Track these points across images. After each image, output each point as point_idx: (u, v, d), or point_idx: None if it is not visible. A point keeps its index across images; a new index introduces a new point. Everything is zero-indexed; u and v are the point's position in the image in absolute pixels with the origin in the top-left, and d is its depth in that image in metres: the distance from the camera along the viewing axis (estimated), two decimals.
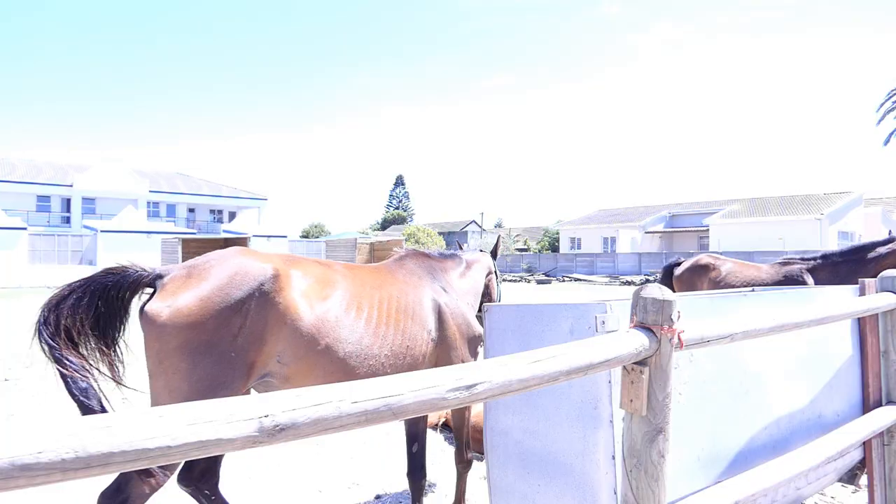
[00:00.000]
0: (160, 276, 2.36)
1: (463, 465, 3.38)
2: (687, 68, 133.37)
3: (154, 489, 2.27)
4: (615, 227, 44.76)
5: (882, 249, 5.56)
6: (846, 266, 5.63)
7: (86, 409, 2.17)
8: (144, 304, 2.30)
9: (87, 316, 2.24)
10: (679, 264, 6.98)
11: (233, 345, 2.28)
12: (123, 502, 2.22)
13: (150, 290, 2.36)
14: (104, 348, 2.31)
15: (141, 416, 0.90)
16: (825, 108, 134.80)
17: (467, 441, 3.39)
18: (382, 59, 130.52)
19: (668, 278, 6.90)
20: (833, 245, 34.51)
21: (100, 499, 2.26)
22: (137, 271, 2.36)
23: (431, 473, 4.07)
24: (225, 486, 3.84)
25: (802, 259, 6.05)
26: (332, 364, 2.56)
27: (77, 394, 2.17)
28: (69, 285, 2.30)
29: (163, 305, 2.23)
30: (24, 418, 5.44)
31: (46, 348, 2.16)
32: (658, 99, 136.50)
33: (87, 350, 2.27)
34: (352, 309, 2.68)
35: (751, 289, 3.94)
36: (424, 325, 2.96)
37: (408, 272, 3.20)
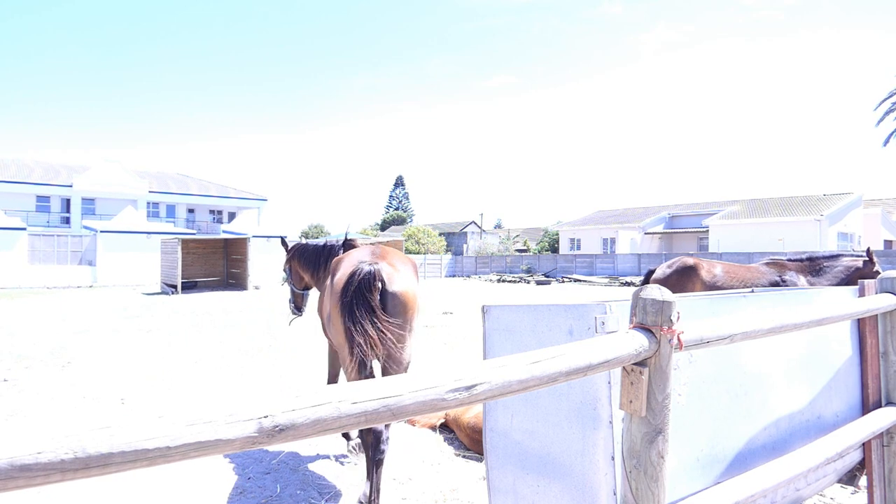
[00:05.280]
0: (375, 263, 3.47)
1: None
2: (687, 69, 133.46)
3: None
4: (615, 227, 44.77)
5: (849, 261, 6.02)
6: (829, 270, 5.94)
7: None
8: (378, 289, 3.34)
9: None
10: (654, 272, 6.94)
11: None
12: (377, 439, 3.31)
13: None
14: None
15: (140, 417, 0.90)
16: (825, 109, 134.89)
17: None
18: (383, 59, 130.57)
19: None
20: (833, 246, 34.53)
21: (371, 448, 3.30)
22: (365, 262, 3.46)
23: (431, 473, 4.07)
24: (224, 487, 3.84)
25: (790, 260, 6.17)
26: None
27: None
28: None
29: (406, 287, 3.46)
30: (24, 419, 5.44)
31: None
32: (658, 100, 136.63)
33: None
34: None
35: (751, 289, 3.95)
36: None
37: None
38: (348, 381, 4.55)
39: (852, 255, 6.05)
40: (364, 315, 3.25)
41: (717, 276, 6.23)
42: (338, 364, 4.56)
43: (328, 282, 3.86)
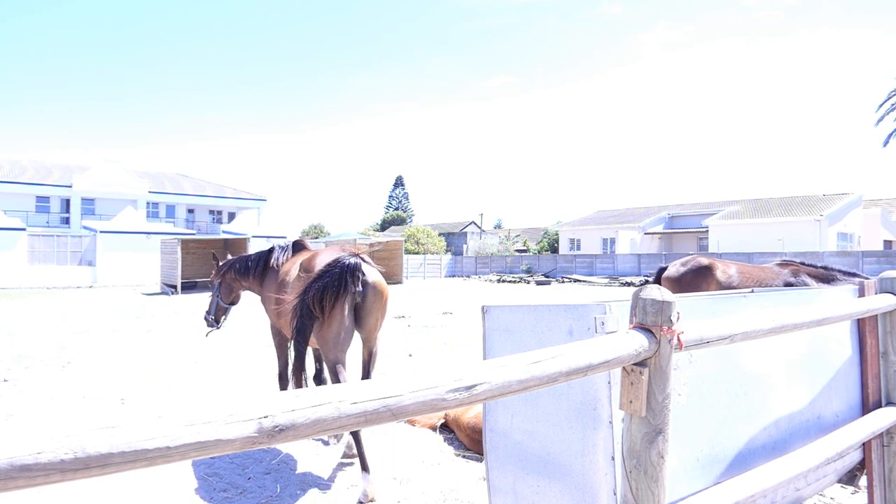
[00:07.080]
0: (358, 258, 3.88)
1: None
2: (687, 69, 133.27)
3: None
4: (614, 227, 44.76)
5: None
6: (841, 284, 5.85)
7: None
8: (359, 278, 3.74)
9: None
10: (665, 269, 6.91)
11: None
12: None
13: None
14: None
15: (140, 417, 0.90)
16: (825, 109, 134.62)
17: None
18: (383, 59, 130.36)
19: (658, 283, 6.82)
20: (832, 246, 34.53)
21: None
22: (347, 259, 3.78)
23: (431, 473, 4.07)
24: (224, 487, 3.84)
25: (804, 264, 6.09)
26: None
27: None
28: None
29: (381, 278, 3.93)
30: (24, 419, 5.44)
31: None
32: (658, 100, 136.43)
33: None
34: None
35: (750, 290, 3.95)
36: None
37: None
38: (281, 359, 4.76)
39: (868, 278, 6.02)
40: (331, 296, 3.62)
41: (731, 276, 6.20)
42: (285, 353, 4.70)
43: (293, 275, 4.14)
